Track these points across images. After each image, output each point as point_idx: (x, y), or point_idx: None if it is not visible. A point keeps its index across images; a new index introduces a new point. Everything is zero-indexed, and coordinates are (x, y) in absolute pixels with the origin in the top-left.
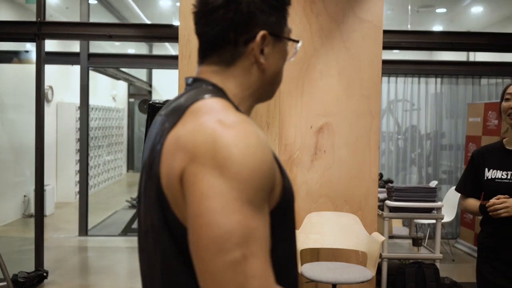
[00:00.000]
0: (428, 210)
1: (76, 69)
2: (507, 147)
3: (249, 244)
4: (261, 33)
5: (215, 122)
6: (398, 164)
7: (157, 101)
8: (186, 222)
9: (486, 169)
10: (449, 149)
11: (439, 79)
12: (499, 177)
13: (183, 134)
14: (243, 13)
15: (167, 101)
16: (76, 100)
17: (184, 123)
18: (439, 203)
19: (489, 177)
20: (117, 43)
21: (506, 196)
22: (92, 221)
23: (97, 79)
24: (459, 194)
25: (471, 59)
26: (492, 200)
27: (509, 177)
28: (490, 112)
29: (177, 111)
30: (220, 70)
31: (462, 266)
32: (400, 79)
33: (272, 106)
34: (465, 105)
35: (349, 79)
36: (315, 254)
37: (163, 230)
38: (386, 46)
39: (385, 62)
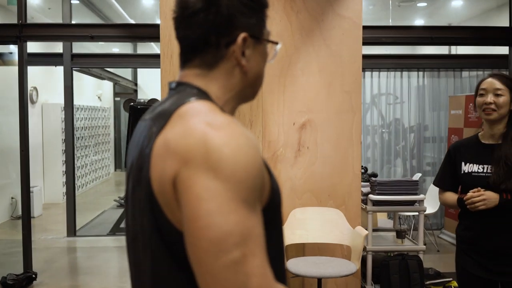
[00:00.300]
0: (411, 202)
1: (59, 70)
2: (482, 141)
3: (248, 243)
4: (242, 35)
5: (204, 124)
6: (383, 157)
7: (139, 102)
8: (179, 226)
9: (463, 163)
10: (432, 141)
11: (421, 73)
12: (476, 170)
13: (172, 137)
14: (224, 15)
15: (150, 101)
16: (61, 100)
17: (172, 127)
18: (421, 196)
19: (466, 171)
20: (101, 42)
21: (480, 189)
22: (80, 222)
23: (82, 79)
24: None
25: (453, 52)
26: (469, 194)
27: (485, 170)
28: (471, 104)
29: (163, 115)
30: (203, 73)
31: (447, 256)
32: (383, 73)
33: (255, 105)
34: (447, 97)
35: (330, 76)
36: (301, 249)
37: (153, 234)
38: (366, 42)
39: (368, 57)
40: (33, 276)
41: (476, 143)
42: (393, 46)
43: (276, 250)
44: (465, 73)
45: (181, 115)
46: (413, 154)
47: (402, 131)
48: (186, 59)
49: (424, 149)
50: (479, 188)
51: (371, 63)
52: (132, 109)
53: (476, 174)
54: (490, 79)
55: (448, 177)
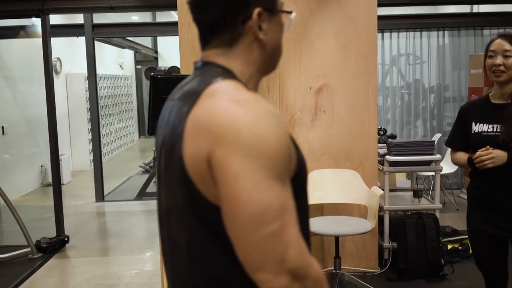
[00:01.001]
0: (427, 162)
1: (81, 40)
2: (492, 101)
3: (284, 216)
4: (257, 10)
5: (231, 102)
6: (403, 118)
7: (159, 72)
8: (215, 200)
9: (473, 123)
10: (452, 101)
11: (441, 32)
12: (486, 130)
13: (202, 116)
14: None
15: (171, 69)
16: (84, 70)
17: (201, 105)
18: (437, 156)
19: (476, 131)
20: (119, 13)
21: (488, 147)
22: (108, 187)
23: (103, 49)
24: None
25: (475, 10)
26: (478, 153)
27: (494, 129)
28: None
29: (192, 94)
30: (224, 52)
31: (466, 214)
32: (403, 34)
33: None
34: (467, 57)
35: (346, 40)
36: (319, 210)
37: (188, 209)
38: (382, 4)
39: (387, 17)
40: (66, 239)
41: (486, 103)
42: (412, 6)
43: (303, 219)
44: (486, 32)
45: (209, 94)
46: (433, 115)
47: (422, 92)
48: (206, 41)
49: (444, 109)
50: (488, 146)
51: (390, 23)
52: (153, 79)
53: (486, 133)
54: (498, 40)
55: (459, 137)
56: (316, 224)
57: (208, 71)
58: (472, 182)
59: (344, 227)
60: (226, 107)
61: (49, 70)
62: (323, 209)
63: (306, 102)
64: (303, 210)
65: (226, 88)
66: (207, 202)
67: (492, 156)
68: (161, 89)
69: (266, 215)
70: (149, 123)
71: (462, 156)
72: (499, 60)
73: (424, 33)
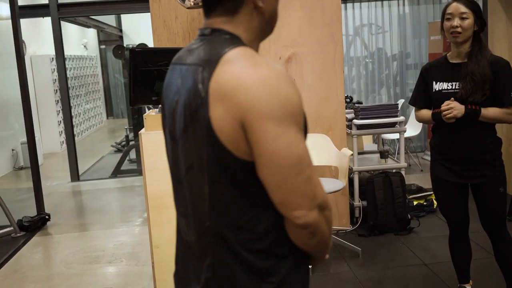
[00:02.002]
0: (392, 124)
1: (44, 21)
2: (450, 61)
3: (311, 162)
4: None
5: (253, 67)
6: (368, 87)
7: (136, 46)
8: (242, 155)
9: (434, 82)
10: (414, 68)
11: (401, 1)
12: (445, 88)
13: (227, 81)
14: None
15: (139, 46)
16: (49, 51)
17: (223, 71)
18: (401, 118)
19: (437, 89)
20: None
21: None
22: (81, 168)
23: (65, 29)
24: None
25: None
26: (443, 107)
27: (453, 87)
28: None
29: (210, 61)
30: (228, 19)
31: (429, 174)
32: (365, 4)
33: None
34: (427, 24)
35: (311, 10)
36: None
37: (213, 163)
38: None
39: None
40: (47, 217)
41: (444, 63)
42: None
43: None
44: None
45: (228, 60)
46: (396, 82)
47: (385, 60)
48: (210, 9)
49: (406, 76)
50: (452, 98)
51: None
52: (132, 52)
53: (446, 91)
54: (455, 4)
55: (422, 96)
56: None
57: (218, 38)
58: (434, 136)
59: None
60: (250, 72)
61: (20, 49)
62: None
63: None
64: None
65: (243, 54)
66: (234, 157)
67: (452, 106)
68: (139, 62)
69: (302, 164)
70: (130, 95)
71: (426, 112)
72: (456, 22)
73: (385, 3)
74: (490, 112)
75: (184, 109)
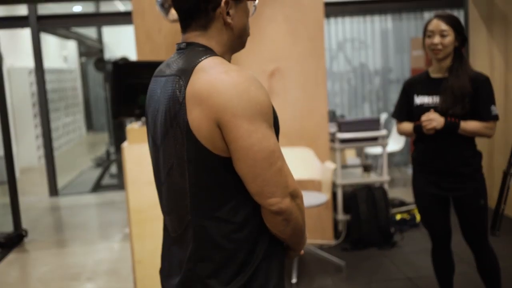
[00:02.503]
0: (375, 138)
1: (22, 33)
2: (432, 76)
3: (281, 155)
4: (224, 0)
5: (225, 73)
6: (351, 102)
7: (120, 59)
8: (219, 152)
9: (415, 96)
10: (396, 83)
11: (383, 17)
12: (426, 102)
13: (202, 87)
14: None
15: (122, 60)
16: (27, 64)
17: (197, 78)
18: (383, 131)
19: (418, 103)
20: (62, 3)
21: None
22: (59, 183)
23: (45, 41)
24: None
25: None
26: (423, 118)
27: (434, 101)
28: None
29: (186, 70)
30: (202, 33)
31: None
32: (348, 20)
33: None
34: (409, 40)
35: (294, 25)
36: None
37: (193, 162)
38: None
39: (331, 4)
40: (24, 233)
41: (426, 77)
42: None
43: None
44: (425, 14)
45: (201, 69)
46: (379, 96)
47: (368, 75)
48: (186, 25)
49: (389, 90)
50: (432, 110)
51: (335, 9)
52: (115, 65)
53: (427, 105)
54: (435, 21)
55: (404, 109)
56: None
57: (193, 50)
58: (415, 148)
59: None
60: (221, 78)
61: None
62: None
63: None
64: None
65: (214, 62)
66: (212, 154)
67: (431, 118)
68: (122, 75)
69: (274, 157)
70: (113, 108)
71: (407, 125)
72: (437, 39)
73: (368, 18)
74: (469, 125)
75: (164, 115)
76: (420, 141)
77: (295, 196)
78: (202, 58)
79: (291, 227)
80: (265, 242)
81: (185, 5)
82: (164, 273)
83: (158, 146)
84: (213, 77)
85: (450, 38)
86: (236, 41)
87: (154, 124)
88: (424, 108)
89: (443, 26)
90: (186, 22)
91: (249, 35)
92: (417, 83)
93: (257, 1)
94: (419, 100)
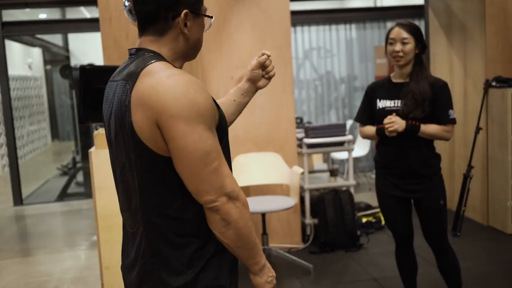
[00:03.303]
0: (341, 143)
1: None
2: (393, 81)
3: (219, 156)
4: (184, 11)
5: (167, 77)
6: (318, 109)
7: (87, 64)
8: (162, 152)
9: (378, 100)
10: (361, 90)
11: (348, 26)
12: (388, 105)
13: (144, 90)
14: None
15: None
16: None
17: (141, 82)
18: (349, 136)
19: (380, 107)
20: (27, 10)
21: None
22: (24, 192)
23: (8, 48)
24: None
25: (378, 4)
26: (385, 121)
27: (396, 105)
28: None
29: (133, 74)
30: (156, 39)
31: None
32: (314, 28)
33: (195, 62)
34: (373, 48)
35: (262, 32)
36: (245, 191)
37: (139, 161)
38: None
39: (298, 12)
40: None
41: (388, 82)
42: (322, 1)
43: (227, 158)
44: (389, 24)
45: (146, 73)
46: (344, 103)
47: (334, 83)
48: (143, 28)
49: (354, 98)
50: (394, 114)
51: (301, 18)
52: (82, 70)
53: (389, 108)
54: (397, 29)
55: (366, 113)
56: None
57: (142, 55)
58: (378, 151)
59: (270, 204)
60: (163, 81)
61: None
62: (249, 191)
63: (228, 91)
64: (226, 151)
65: (159, 67)
66: (155, 154)
67: (393, 120)
68: (89, 80)
69: (209, 157)
70: (79, 112)
71: (370, 128)
72: (398, 47)
73: (333, 27)
74: (429, 128)
75: (115, 118)
76: (382, 144)
77: (233, 198)
78: (149, 63)
79: (233, 231)
80: (215, 237)
81: (146, 9)
82: (125, 269)
83: (112, 146)
84: (155, 81)
85: (410, 46)
86: (190, 51)
87: (109, 126)
88: (386, 112)
89: (404, 34)
90: (144, 26)
91: (201, 46)
92: (379, 87)
93: (213, 19)
94: (381, 104)
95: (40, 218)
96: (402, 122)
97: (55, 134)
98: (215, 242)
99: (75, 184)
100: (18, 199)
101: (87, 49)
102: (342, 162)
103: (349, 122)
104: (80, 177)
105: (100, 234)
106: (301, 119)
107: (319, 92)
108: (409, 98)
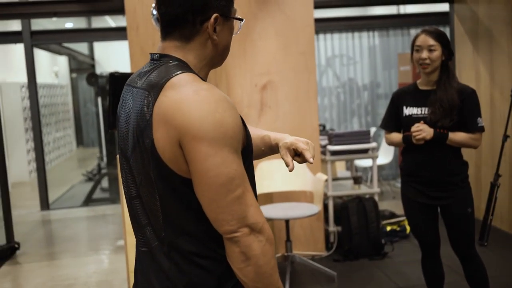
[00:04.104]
0: (365, 151)
1: (13, 48)
2: (420, 88)
3: (243, 183)
4: (214, 15)
5: (193, 93)
6: (340, 116)
7: (115, 72)
8: (183, 174)
9: (404, 107)
10: (384, 98)
11: (371, 33)
12: (415, 113)
13: (168, 106)
14: None
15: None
16: (19, 79)
17: (166, 96)
18: (373, 144)
19: (407, 114)
20: (54, 19)
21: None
22: (50, 197)
23: (36, 56)
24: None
25: (401, 11)
26: (413, 128)
27: (422, 112)
28: None
29: (156, 85)
30: (181, 45)
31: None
32: (336, 36)
33: (219, 69)
34: (396, 55)
35: (286, 39)
36: (269, 198)
37: (159, 181)
38: (318, 6)
39: (321, 20)
40: (16, 246)
41: (414, 89)
42: (344, 8)
43: (252, 182)
44: (412, 31)
45: (171, 86)
46: (367, 111)
47: (356, 90)
48: (167, 32)
49: (377, 105)
50: (422, 122)
51: (324, 25)
52: (112, 76)
53: (415, 115)
54: (423, 36)
55: (392, 120)
56: (267, 211)
57: (166, 63)
58: (404, 158)
59: (294, 211)
60: (189, 97)
61: None
62: (273, 197)
63: (252, 98)
64: (251, 175)
65: (186, 79)
66: (176, 175)
67: (421, 128)
68: (119, 86)
69: (232, 184)
70: (109, 118)
71: (396, 135)
72: (424, 54)
73: (356, 35)
74: (457, 136)
75: (133, 129)
76: (408, 151)
77: (256, 231)
78: (174, 74)
79: (252, 268)
80: None
81: (172, 12)
82: None
83: (128, 159)
84: (180, 96)
85: (437, 53)
86: (217, 57)
87: (124, 135)
88: (413, 119)
89: (431, 41)
90: (168, 30)
91: (228, 53)
92: (406, 94)
93: (243, 22)
94: (408, 111)
95: (66, 223)
96: (430, 130)
97: (80, 140)
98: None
99: (100, 189)
100: (45, 204)
101: (111, 58)
102: (365, 169)
103: (373, 130)
104: (105, 183)
105: (128, 238)
106: (324, 126)
107: (342, 100)
108: (437, 106)
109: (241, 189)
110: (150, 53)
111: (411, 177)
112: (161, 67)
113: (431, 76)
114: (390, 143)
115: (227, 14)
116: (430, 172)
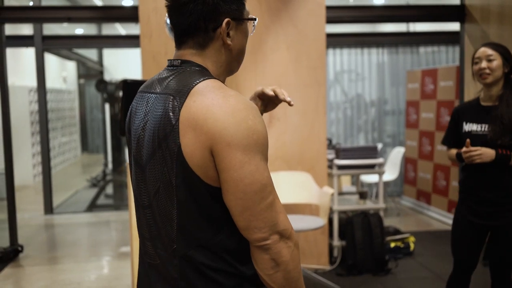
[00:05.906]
0: (372, 166)
1: (23, 52)
2: (482, 104)
3: (273, 190)
4: (226, 20)
5: (223, 98)
6: (346, 131)
7: (128, 79)
8: (209, 181)
9: (464, 123)
10: (392, 114)
11: (380, 49)
12: (475, 129)
13: (198, 111)
14: (209, 5)
15: (121, 82)
16: (28, 83)
17: (193, 102)
18: (380, 159)
19: (467, 130)
20: (64, 25)
21: (470, 148)
22: (54, 201)
23: (46, 61)
24: (419, 155)
25: (411, 29)
26: (464, 149)
27: (483, 129)
28: (426, 77)
29: (181, 91)
30: (198, 52)
31: (406, 218)
32: (345, 51)
33: (229, 80)
34: (405, 72)
35: (297, 53)
36: None
37: (181, 187)
38: (329, 21)
39: (330, 35)
40: (19, 248)
41: (476, 105)
42: (355, 24)
43: None
44: (421, 49)
45: (198, 91)
46: (374, 127)
47: (364, 106)
48: (181, 41)
49: (384, 122)
50: (471, 147)
51: (334, 40)
52: (125, 83)
53: (475, 132)
54: (482, 48)
55: (452, 136)
56: None
57: (188, 69)
58: (462, 175)
59: (299, 223)
60: (220, 103)
61: (4, 81)
62: None
63: None
64: None
65: (212, 85)
66: (202, 183)
67: (480, 153)
68: (131, 93)
69: (265, 191)
70: (120, 125)
71: (455, 152)
72: (483, 64)
73: (365, 51)
74: None
75: (152, 135)
76: (466, 168)
77: (286, 237)
78: (199, 80)
79: (282, 273)
80: (254, 273)
81: (184, 21)
82: None
83: (143, 166)
84: (210, 102)
85: (497, 62)
86: (233, 63)
87: (138, 143)
88: (472, 136)
89: (489, 51)
90: (182, 39)
91: (243, 57)
92: (467, 110)
93: (256, 21)
94: (468, 127)
95: (69, 228)
96: (491, 153)
97: (85, 146)
98: (253, 281)
99: (104, 196)
100: (49, 208)
101: (120, 65)
102: (371, 185)
103: (379, 146)
104: (109, 189)
105: (134, 244)
106: (330, 141)
107: (349, 115)
108: (497, 123)
109: (272, 196)
110: (169, 60)
111: (466, 194)
112: (183, 73)
113: (493, 91)
114: (450, 158)
115: (239, 17)
116: (486, 191)
